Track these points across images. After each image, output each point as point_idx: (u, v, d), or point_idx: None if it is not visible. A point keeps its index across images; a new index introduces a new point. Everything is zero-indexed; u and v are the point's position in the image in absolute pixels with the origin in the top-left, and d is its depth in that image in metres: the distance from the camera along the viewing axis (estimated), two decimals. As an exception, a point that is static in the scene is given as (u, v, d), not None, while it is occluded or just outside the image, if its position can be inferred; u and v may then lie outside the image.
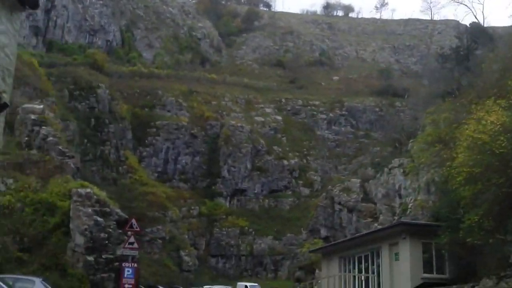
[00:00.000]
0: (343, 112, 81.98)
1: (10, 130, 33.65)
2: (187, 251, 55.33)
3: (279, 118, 79.19)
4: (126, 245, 21.92)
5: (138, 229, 22.66)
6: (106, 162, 59.24)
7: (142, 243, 51.19)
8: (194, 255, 55.97)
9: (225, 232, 63.55)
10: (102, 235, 22.60)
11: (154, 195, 58.11)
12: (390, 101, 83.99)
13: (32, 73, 52.33)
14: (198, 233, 61.93)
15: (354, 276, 29.17)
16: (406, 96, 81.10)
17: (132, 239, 22.03)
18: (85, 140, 58.68)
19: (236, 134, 70.02)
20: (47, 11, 75.24)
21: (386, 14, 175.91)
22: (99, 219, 22.77)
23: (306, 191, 71.82)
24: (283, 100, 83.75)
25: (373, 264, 27.59)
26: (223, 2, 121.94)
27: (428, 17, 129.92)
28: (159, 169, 66.31)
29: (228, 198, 67.82)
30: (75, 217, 22.45)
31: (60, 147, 31.83)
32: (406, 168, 42.57)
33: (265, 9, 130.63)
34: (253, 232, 64.85)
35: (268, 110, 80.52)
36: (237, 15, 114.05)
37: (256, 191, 69.14)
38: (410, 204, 33.81)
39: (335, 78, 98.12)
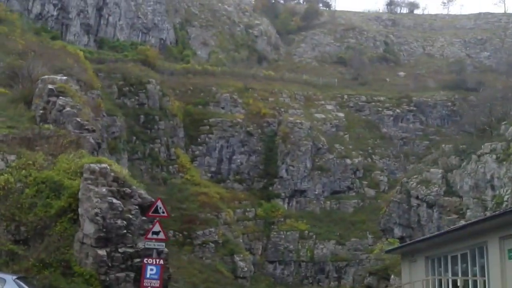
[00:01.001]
0: (411, 108, 75.69)
1: (28, 104, 30.18)
2: (242, 256, 50.81)
3: (341, 115, 73.87)
4: (150, 235, 17.52)
5: (165, 214, 18.21)
6: (156, 160, 55.71)
7: (193, 246, 47.16)
8: (249, 261, 51.39)
9: (283, 236, 58.69)
10: (119, 222, 18.12)
11: (207, 196, 54.04)
12: (463, 95, 77.05)
13: (77, 65, 49.37)
14: (254, 237, 57.35)
15: (450, 281, 23.41)
16: (481, 90, 74.16)
17: (157, 227, 17.65)
18: (134, 138, 55.38)
19: (295, 131, 65.22)
20: (99, 9, 72.99)
21: (454, 10, 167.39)
22: (115, 201, 18.32)
23: (371, 192, 66.11)
24: (345, 97, 78.36)
25: (474, 265, 21.78)
26: (281, 1, 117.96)
27: (501, 10, 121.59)
28: (213, 169, 62.25)
29: (287, 199, 63.00)
30: (84, 199, 18.22)
31: (78, 119, 27.74)
32: (500, 153, 36.27)
33: (325, 8, 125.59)
34: (314, 236, 59.71)
35: (329, 107, 75.36)
36: (296, 13, 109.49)
37: (316, 192, 64.01)
38: (507, 196, 27.90)
39: (401, 73, 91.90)
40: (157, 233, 17.61)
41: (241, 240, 54.17)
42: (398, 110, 75.48)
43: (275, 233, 58.73)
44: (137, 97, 58.50)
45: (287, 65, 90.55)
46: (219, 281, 45.65)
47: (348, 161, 66.83)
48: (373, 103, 76.73)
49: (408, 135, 73.60)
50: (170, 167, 56.61)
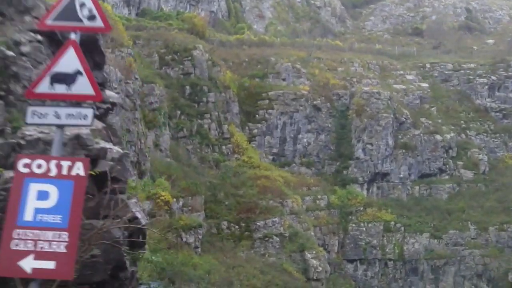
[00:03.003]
0: (510, 74, 62.85)
1: None
2: (314, 252, 40.18)
3: (425, 85, 62.01)
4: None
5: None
6: (205, 139, 45.81)
7: (252, 240, 36.94)
8: (324, 258, 40.64)
9: (364, 229, 47.63)
10: None
11: (269, 180, 43.71)
12: None
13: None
14: (328, 230, 46.56)
15: None
16: None
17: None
18: (178, 112, 45.71)
19: (371, 103, 54.00)
20: (141, -22, 64.08)
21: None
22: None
23: (468, 174, 54.10)
24: (428, 66, 66.35)
25: None
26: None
27: None
28: (274, 151, 51.89)
29: (365, 184, 51.90)
30: None
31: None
32: None
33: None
34: (402, 229, 48.42)
35: (409, 77, 63.63)
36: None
37: (401, 175, 52.61)
38: None
39: (490, 41, 78.81)
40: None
41: (312, 233, 43.50)
42: (493, 78, 62.83)
43: (353, 225, 47.74)
44: (181, 66, 48.83)
45: (356, 38, 79.30)
46: (287, 284, 35.25)
47: (438, 137, 55.06)
48: (462, 71, 64.40)
49: (508, 106, 60.94)
50: (223, 147, 46.61)
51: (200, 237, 35.40)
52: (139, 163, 35.87)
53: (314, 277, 38.94)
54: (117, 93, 34.92)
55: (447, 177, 54.08)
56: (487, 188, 53.01)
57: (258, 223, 39.27)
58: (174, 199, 35.39)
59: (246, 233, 38.91)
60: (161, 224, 33.43)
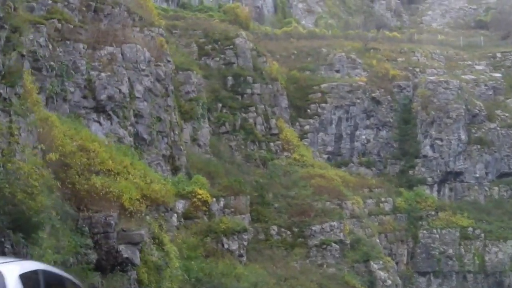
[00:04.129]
0: None
1: None
2: (381, 262, 33.84)
3: (498, 75, 54.84)
4: None
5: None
6: (251, 135, 40.23)
7: (307, 248, 31.01)
8: (394, 270, 34.23)
9: (437, 236, 40.94)
10: None
11: (324, 179, 37.76)
12: None
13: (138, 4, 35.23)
14: (395, 237, 40.06)
15: None
16: None
17: None
18: (219, 105, 40.35)
19: (439, 93, 47.36)
20: (180, -29, 59.62)
21: None
22: None
23: (556, 173, 46.60)
24: (498, 55, 59.16)
25: None
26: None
27: None
28: (329, 149, 45.88)
29: (435, 185, 45.22)
30: None
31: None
32: None
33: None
34: (482, 235, 41.52)
35: (478, 67, 56.63)
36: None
37: (477, 175, 45.66)
38: None
39: None
40: None
41: (377, 240, 37.14)
42: None
43: (425, 232, 41.13)
44: (222, 56, 43.55)
45: (415, 31, 72.73)
46: (352, 301, 29.04)
47: (518, 131, 47.87)
48: (539, 60, 56.95)
49: None
50: (271, 144, 40.91)
51: (245, 243, 29.68)
52: (173, 158, 30.54)
53: (383, 292, 32.60)
54: (146, 75, 30.04)
55: (530, 176, 46.79)
56: None
57: (313, 228, 33.27)
58: (214, 199, 29.88)
59: (300, 239, 32.96)
60: (197, 227, 27.99)
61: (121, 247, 18.55)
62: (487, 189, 45.40)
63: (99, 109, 26.50)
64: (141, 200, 20.44)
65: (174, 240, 24.16)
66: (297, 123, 45.80)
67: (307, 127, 45.92)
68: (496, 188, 45.53)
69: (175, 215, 27.50)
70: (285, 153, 41.15)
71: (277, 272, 28.72)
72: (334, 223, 33.79)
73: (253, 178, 35.82)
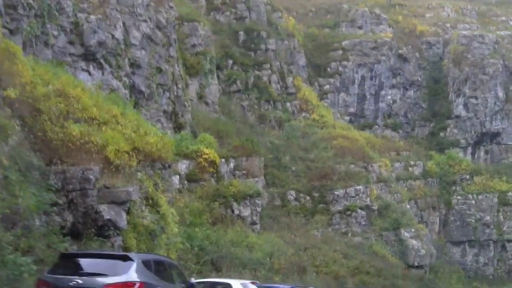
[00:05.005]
0: None
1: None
2: (413, 230, 30.20)
3: (534, 30, 50.21)
4: None
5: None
6: (265, 94, 36.59)
7: (330, 215, 27.53)
8: (428, 239, 30.63)
9: (473, 202, 37.17)
10: None
11: (347, 140, 34.12)
12: None
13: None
14: (426, 204, 36.32)
15: None
16: None
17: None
18: (230, 62, 36.64)
19: (473, 48, 43.09)
20: None
21: None
22: None
23: None
24: (535, 10, 54.34)
25: None
26: None
27: None
28: (351, 110, 42.08)
29: (470, 148, 41.26)
30: None
31: None
32: None
33: None
34: (524, 201, 37.48)
35: (513, 22, 51.99)
36: None
37: (516, 136, 41.54)
38: None
39: None
40: None
41: (407, 206, 33.46)
42: None
43: (459, 197, 37.36)
44: (233, 10, 39.73)
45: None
46: (381, 272, 25.51)
47: (561, 88, 43.50)
48: None
49: None
50: (288, 104, 37.27)
51: (259, 209, 26.24)
52: (176, 114, 27.09)
53: (416, 263, 28.99)
54: (144, 21, 26.47)
55: None
56: None
57: (336, 193, 29.68)
58: (223, 160, 26.41)
59: (321, 205, 29.43)
60: (203, 190, 24.55)
61: (102, 208, 15.20)
62: (526, 151, 41.33)
63: (88, 56, 23.04)
64: (131, 153, 17.04)
65: (174, 204, 20.78)
66: (316, 83, 41.97)
67: (327, 87, 42.08)
68: (537, 150, 41.45)
69: (177, 176, 24.11)
70: (303, 114, 37.52)
71: (295, 241, 25.27)
72: (360, 187, 30.16)
73: (267, 139, 32.28)
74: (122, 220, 15.44)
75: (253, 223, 25.94)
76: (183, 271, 12.93)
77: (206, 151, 25.55)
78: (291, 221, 27.65)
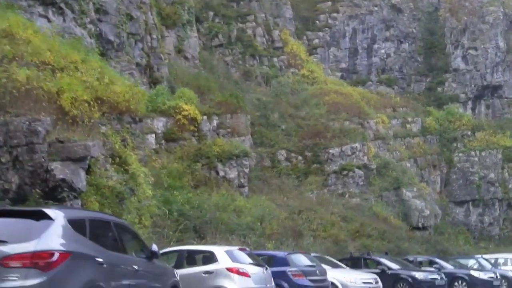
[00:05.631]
0: None
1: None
2: (415, 190, 27.78)
3: (535, -24, 47.34)
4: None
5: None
6: (250, 48, 33.62)
7: (325, 175, 25.09)
8: (431, 198, 28.27)
9: (476, 159, 34.78)
10: None
11: (341, 95, 31.42)
12: None
13: None
14: (426, 162, 33.87)
15: None
16: None
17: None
18: (211, 14, 33.55)
19: (470, -4, 40.26)
20: None
21: None
22: None
23: None
24: (533, -43, 51.32)
25: None
26: None
27: None
28: (343, 65, 39.25)
29: (470, 102, 38.72)
30: None
31: None
32: None
33: None
34: (529, 157, 35.20)
35: (511, -30, 49.02)
36: None
37: (518, 89, 39.08)
38: None
39: None
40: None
41: (408, 165, 31.01)
42: None
43: (461, 154, 34.94)
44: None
45: None
46: (384, 235, 23.11)
47: None
48: None
49: None
50: (275, 59, 34.32)
51: (247, 171, 23.57)
52: (151, 68, 24.13)
53: (420, 224, 26.60)
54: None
55: None
56: None
57: (331, 151, 27.06)
58: (204, 117, 23.62)
59: (315, 165, 26.84)
60: (184, 151, 21.82)
61: (54, 165, 12.51)
62: (529, 104, 38.91)
63: (47, 0, 19.96)
64: (92, 104, 14.30)
65: (148, 164, 18.07)
66: (305, 37, 39.02)
67: (316, 41, 39.13)
68: (541, 103, 39.06)
69: (153, 135, 21.34)
70: (292, 70, 34.63)
71: (288, 204, 22.69)
72: (356, 145, 27.55)
73: (254, 96, 29.47)
74: (80, 180, 12.75)
75: (241, 185, 23.31)
76: (142, 236, 10.34)
77: (186, 107, 22.74)
78: (283, 183, 25.05)
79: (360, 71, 39.65)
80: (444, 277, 17.31)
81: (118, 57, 22.54)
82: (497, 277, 18.45)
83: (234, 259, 10.63)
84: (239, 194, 22.52)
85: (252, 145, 26.02)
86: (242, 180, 23.43)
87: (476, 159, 34.49)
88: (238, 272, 10.46)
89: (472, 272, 18.43)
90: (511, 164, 34.77)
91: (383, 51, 40.26)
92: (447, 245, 25.35)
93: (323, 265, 14.12)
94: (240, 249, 11.20)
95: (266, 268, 11.29)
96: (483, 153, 34.61)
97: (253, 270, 10.82)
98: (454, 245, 26.47)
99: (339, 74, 38.57)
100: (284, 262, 12.91)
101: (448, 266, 18.72)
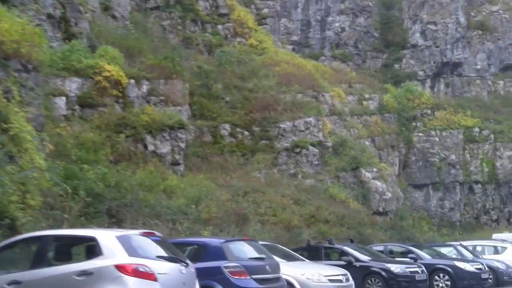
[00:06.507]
0: None
1: None
2: (375, 170, 24.72)
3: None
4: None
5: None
6: (191, 13, 29.71)
7: (275, 153, 21.68)
8: (392, 180, 25.35)
9: (436, 139, 32.10)
10: None
11: (293, 66, 28.05)
12: None
13: None
14: (384, 142, 30.91)
15: None
16: None
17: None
18: (146, -27, 29.42)
19: (430, -34, 37.51)
20: None
21: None
22: None
23: None
24: None
25: None
26: None
27: None
28: (295, 38, 36.02)
29: (429, 81, 36.05)
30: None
31: None
32: None
33: None
34: (492, 137, 32.82)
35: None
36: None
37: (478, 67, 36.73)
38: None
39: None
40: None
41: (367, 143, 27.97)
42: None
43: (420, 134, 32.16)
44: None
45: None
46: (342, 220, 19.85)
47: (525, 14, 38.83)
48: None
49: None
50: (219, 26, 30.53)
51: (183, 145, 19.88)
52: (66, 21, 20.05)
53: (381, 208, 23.57)
54: None
55: (539, 68, 38.20)
56: None
57: (282, 126, 23.65)
58: (132, 80, 19.74)
59: (263, 142, 23.36)
60: (103, 118, 17.90)
61: None
62: (490, 83, 36.56)
63: None
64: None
65: (50, 131, 14.18)
66: (253, 6, 35.32)
67: (265, 10, 35.53)
68: (501, 82, 36.79)
69: (63, 99, 17.33)
70: (238, 39, 30.93)
71: (232, 185, 19.11)
72: (310, 119, 24.23)
73: (194, 63, 25.68)
74: None
75: (175, 162, 19.61)
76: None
77: (108, 67, 18.80)
78: (226, 161, 21.47)
79: (312, 45, 36.46)
80: (425, 270, 14.11)
81: (23, 4, 18.38)
82: (485, 268, 15.49)
83: (131, 250, 6.60)
84: (173, 172, 18.83)
85: (190, 116, 22.31)
86: (177, 157, 19.73)
87: (437, 139, 31.82)
88: (135, 272, 6.42)
89: (457, 263, 15.34)
90: (473, 144, 32.31)
91: (337, 24, 37.16)
92: (413, 232, 22.39)
93: (275, 257, 10.52)
94: (144, 234, 7.17)
95: (187, 265, 7.36)
96: (444, 133, 31.99)
97: (164, 268, 6.80)
98: (418, 231, 23.59)
99: (290, 47, 35.19)
100: (219, 253, 9.01)
101: (426, 256, 15.58)
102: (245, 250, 9.60)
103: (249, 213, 16.75)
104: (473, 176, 31.95)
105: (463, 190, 31.93)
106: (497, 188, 32.22)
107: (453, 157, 31.73)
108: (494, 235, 24.04)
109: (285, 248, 12.72)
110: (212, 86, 25.13)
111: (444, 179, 31.48)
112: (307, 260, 12.60)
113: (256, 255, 9.65)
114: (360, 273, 13.39)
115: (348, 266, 13.17)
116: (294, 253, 12.66)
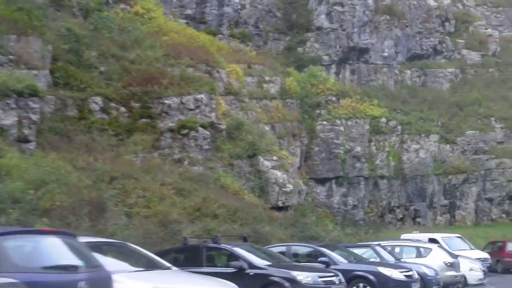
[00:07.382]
0: None
1: None
2: (275, 158, 21.46)
3: None
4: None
5: None
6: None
7: (158, 133, 17.53)
8: (294, 170, 22.28)
9: (341, 129, 29.41)
10: None
11: (184, 37, 24.18)
12: None
13: None
14: (285, 130, 27.74)
15: None
16: None
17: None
18: None
19: None
20: None
21: None
22: None
23: (473, 56, 37.20)
24: None
25: None
26: None
27: None
28: (189, 12, 32.10)
29: (334, 66, 33.48)
30: None
31: None
32: None
33: None
34: (399, 129, 30.75)
35: None
36: None
37: (386, 54, 34.80)
38: None
39: None
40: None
41: (267, 128, 24.67)
42: None
43: (324, 123, 29.36)
44: None
45: None
46: (234, 216, 16.29)
47: (432, 2, 37.43)
48: None
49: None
50: (99, -12, 26.04)
51: (36, 118, 15.49)
52: None
53: (280, 203, 20.27)
54: None
55: (443, 60, 36.89)
56: (502, 74, 36.46)
57: (167, 102, 19.72)
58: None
59: (143, 120, 19.32)
60: None
61: None
62: (397, 72, 34.65)
63: None
64: None
65: None
66: (142, -27, 31.04)
67: (156, -21, 31.34)
68: (408, 72, 35.03)
69: None
70: (121, 6, 26.59)
71: (97, 168, 14.96)
72: (202, 96, 20.48)
73: (62, 25, 21.14)
74: None
75: (24, 139, 15.18)
76: None
77: None
78: (94, 140, 17.24)
79: (209, 21, 32.68)
80: (343, 280, 10.68)
81: None
82: (415, 276, 12.40)
83: None
84: (20, 151, 14.43)
85: (51, 84, 17.88)
86: (25, 131, 15.31)
87: (342, 128, 29.17)
88: None
89: (381, 269, 12.14)
90: (379, 136, 30.05)
91: (237, 0, 33.67)
92: (318, 231, 19.33)
93: (114, 265, 6.57)
94: None
95: None
96: (349, 123, 29.43)
97: None
98: (323, 230, 20.62)
99: (183, 21, 31.16)
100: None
101: (341, 260, 12.25)
102: (40, 253, 5.55)
103: (111, 203, 12.75)
104: (379, 171, 29.68)
105: (368, 186, 29.53)
106: (403, 184, 30.18)
107: (358, 149, 29.22)
108: (403, 235, 21.57)
109: (142, 250, 8.52)
110: (84, 53, 20.74)
111: (348, 173, 28.89)
112: (174, 267, 8.46)
113: (64, 261, 5.56)
114: (255, 285, 9.80)
115: (239, 274, 9.56)
116: (156, 258, 8.48)
